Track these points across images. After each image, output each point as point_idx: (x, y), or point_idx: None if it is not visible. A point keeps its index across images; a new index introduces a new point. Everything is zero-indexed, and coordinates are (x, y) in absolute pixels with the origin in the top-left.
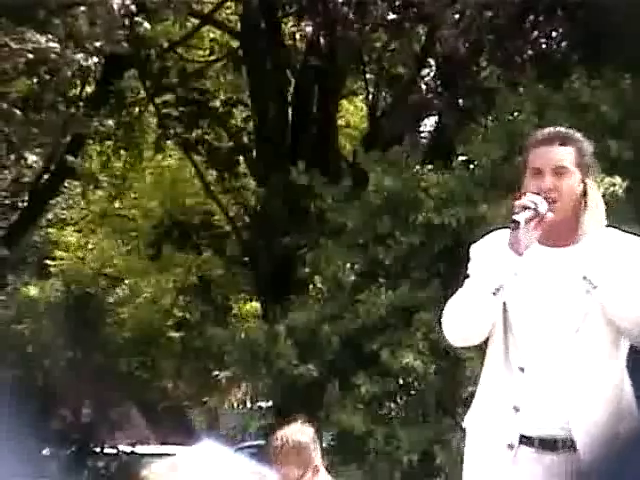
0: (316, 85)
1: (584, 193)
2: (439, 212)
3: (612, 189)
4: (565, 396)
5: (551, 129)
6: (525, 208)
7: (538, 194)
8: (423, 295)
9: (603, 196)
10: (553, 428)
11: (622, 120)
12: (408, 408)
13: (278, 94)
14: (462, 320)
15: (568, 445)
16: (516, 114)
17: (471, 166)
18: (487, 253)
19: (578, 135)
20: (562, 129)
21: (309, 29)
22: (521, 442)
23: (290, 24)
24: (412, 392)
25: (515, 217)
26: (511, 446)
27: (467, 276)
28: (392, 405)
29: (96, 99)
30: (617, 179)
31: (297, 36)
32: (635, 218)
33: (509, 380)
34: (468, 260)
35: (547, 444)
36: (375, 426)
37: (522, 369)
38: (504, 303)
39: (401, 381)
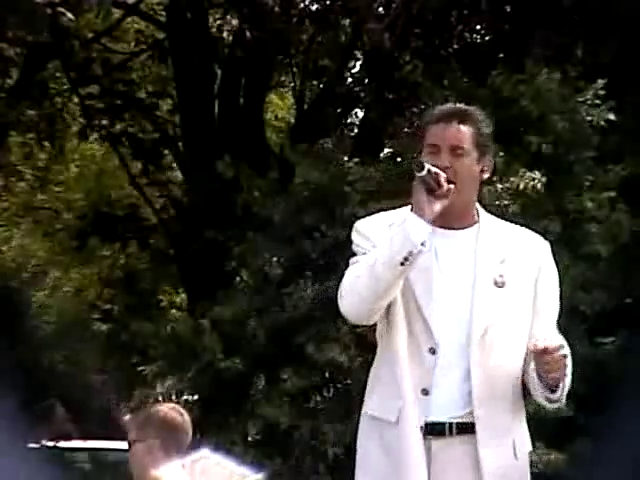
0: (243, 77)
1: (481, 174)
2: (365, 206)
3: (532, 183)
4: (473, 382)
5: (452, 105)
6: (427, 167)
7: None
8: None
9: (524, 190)
10: (457, 412)
11: (542, 115)
12: (334, 402)
13: (204, 86)
14: (368, 294)
15: (469, 430)
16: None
17: (398, 159)
18: (381, 229)
19: (478, 114)
20: (463, 106)
21: (235, 21)
22: (427, 425)
23: (217, 16)
24: (338, 386)
25: (422, 161)
26: (421, 429)
27: (354, 253)
28: (318, 399)
29: (18, 90)
30: (537, 174)
31: (223, 28)
32: (554, 211)
33: (417, 362)
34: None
35: (448, 428)
36: (301, 420)
37: (433, 351)
38: (408, 282)
39: (327, 375)
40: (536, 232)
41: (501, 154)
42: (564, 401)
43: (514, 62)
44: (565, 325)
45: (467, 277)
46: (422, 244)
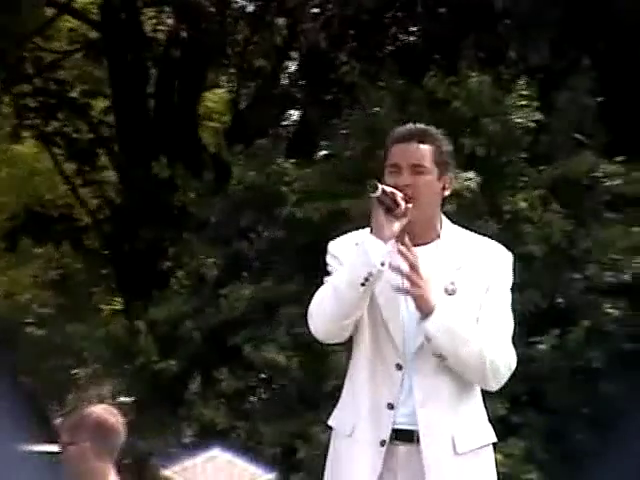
0: (178, 77)
1: (442, 190)
2: (302, 206)
3: (467, 184)
4: (415, 389)
5: (411, 126)
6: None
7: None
8: (286, 289)
9: (459, 191)
10: (421, 422)
11: (475, 117)
12: (271, 403)
13: (139, 86)
14: (334, 314)
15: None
16: (377, 109)
17: (334, 160)
18: (349, 248)
19: (437, 133)
20: (422, 126)
21: (170, 21)
22: (392, 437)
23: (151, 14)
24: (275, 387)
25: (375, 182)
26: (383, 442)
27: (327, 272)
28: (255, 400)
29: None
30: (471, 174)
31: (158, 28)
32: (489, 212)
33: (384, 377)
34: (325, 257)
35: (412, 436)
36: (237, 421)
37: (399, 366)
38: (375, 299)
39: (264, 376)
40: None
41: None
42: (441, 338)
43: (448, 64)
44: None
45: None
46: (382, 264)
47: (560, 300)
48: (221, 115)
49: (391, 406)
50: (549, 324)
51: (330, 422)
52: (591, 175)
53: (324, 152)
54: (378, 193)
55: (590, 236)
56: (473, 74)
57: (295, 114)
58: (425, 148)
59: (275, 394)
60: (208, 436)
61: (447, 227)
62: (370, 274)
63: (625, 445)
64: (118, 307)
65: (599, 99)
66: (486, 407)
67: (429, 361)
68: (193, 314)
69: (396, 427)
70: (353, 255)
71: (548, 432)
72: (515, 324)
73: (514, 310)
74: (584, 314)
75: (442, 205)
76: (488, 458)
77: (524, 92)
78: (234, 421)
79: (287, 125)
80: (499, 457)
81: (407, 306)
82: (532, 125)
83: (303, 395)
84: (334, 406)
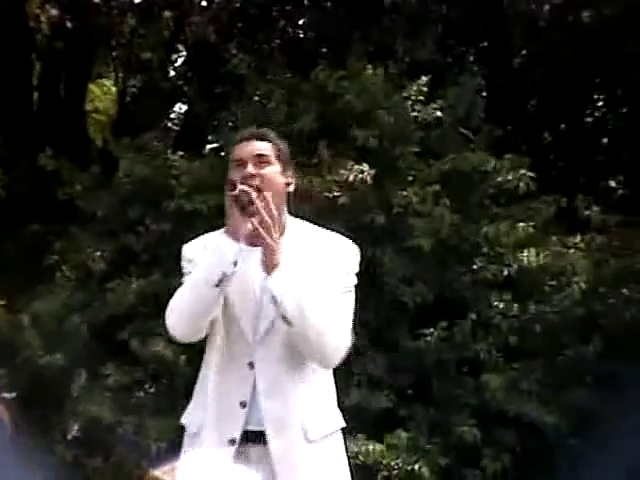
0: (63, 69)
1: (286, 186)
2: (190, 199)
3: (361, 176)
4: (257, 377)
5: (251, 129)
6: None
7: (243, 183)
8: (174, 283)
9: (353, 183)
10: (267, 414)
11: (367, 110)
12: (158, 397)
13: (23, 77)
14: (190, 313)
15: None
16: (266, 102)
17: (222, 153)
18: (202, 248)
19: (274, 134)
20: (259, 129)
21: (54, 11)
22: (243, 437)
23: (34, 5)
24: (162, 381)
25: (234, 180)
26: (233, 441)
27: (182, 275)
28: (141, 394)
29: None
30: (365, 166)
31: (42, 18)
32: (380, 204)
33: (236, 375)
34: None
35: (262, 437)
36: (124, 416)
37: (251, 365)
38: (228, 297)
39: (151, 370)
40: (360, 229)
41: (328, 150)
42: (286, 298)
43: (337, 58)
44: (389, 318)
45: (263, 293)
46: (235, 264)
47: (448, 293)
48: (108, 108)
49: (244, 404)
50: (437, 317)
51: (182, 420)
52: (480, 170)
53: (212, 145)
54: (236, 192)
55: (478, 230)
56: (366, 67)
57: (183, 107)
58: (265, 143)
59: (162, 389)
60: (93, 432)
61: (292, 222)
62: (224, 274)
63: (509, 437)
64: (1, 301)
65: (484, 94)
66: (337, 393)
67: (273, 350)
68: (79, 308)
69: (248, 428)
70: (208, 255)
71: (433, 424)
72: (403, 316)
73: (402, 302)
74: (471, 307)
75: (288, 202)
76: (339, 443)
77: (416, 86)
78: (120, 416)
79: (175, 118)
80: (384, 448)
81: (258, 300)
82: (427, 119)
83: (190, 390)
84: None
